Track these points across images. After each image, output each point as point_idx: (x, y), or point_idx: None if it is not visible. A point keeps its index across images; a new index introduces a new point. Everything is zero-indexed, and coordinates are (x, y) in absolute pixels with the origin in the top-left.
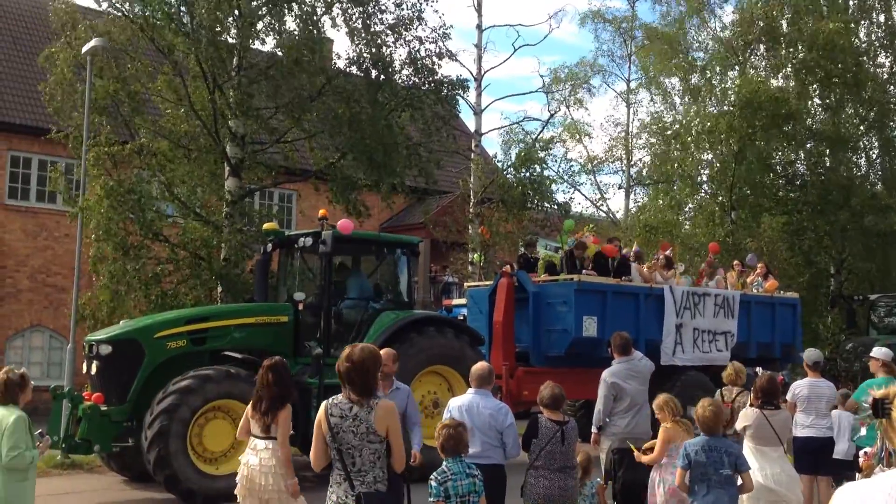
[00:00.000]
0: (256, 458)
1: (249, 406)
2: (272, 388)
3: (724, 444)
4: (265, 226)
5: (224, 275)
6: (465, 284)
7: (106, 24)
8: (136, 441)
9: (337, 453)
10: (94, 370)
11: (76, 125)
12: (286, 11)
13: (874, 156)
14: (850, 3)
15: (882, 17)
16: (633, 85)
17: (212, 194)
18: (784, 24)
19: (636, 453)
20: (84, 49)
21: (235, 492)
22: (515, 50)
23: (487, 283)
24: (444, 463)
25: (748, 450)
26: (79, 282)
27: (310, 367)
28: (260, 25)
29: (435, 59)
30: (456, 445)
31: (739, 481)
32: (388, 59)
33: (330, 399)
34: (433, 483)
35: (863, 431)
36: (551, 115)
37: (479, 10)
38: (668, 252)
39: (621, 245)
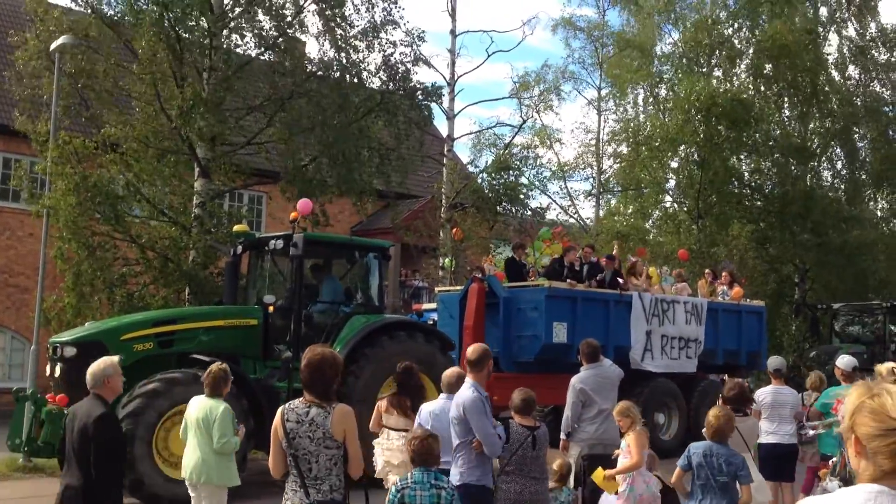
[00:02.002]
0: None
1: (386, 403)
2: (418, 388)
3: (728, 452)
4: (235, 228)
5: (193, 276)
6: (436, 289)
7: (75, 20)
8: None
9: (293, 459)
10: (58, 372)
11: (31, 116)
12: (258, 11)
13: (839, 167)
14: (821, 15)
15: (852, 31)
16: (603, 93)
17: (180, 195)
18: (734, 32)
19: (604, 473)
20: (53, 46)
21: (377, 474)
22: (489, 55)
23: (458, 287)
24: (412, 471)
25: None
26: (43, 282)
27: (279, 371)
28: (232, 25)
29: (409, 65)
30: (424, 457)
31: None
32: (360, 64)
33: (286, 404)
34: (392, 489)
35: (811, 433)
36: (524, 122)
37: (453, 15)
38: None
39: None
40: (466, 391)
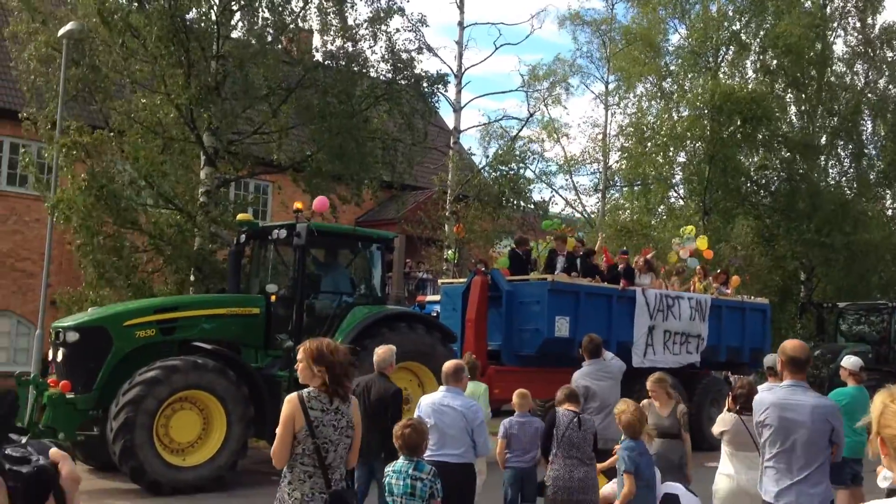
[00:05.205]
0: None
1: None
2: None
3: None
4: (239, 216)
5: (202, 261)
6: (440, 281)
7: (80, 6)
8: (102, 430)
9: (313, 447)
10: (60, 357)
11: (49, 111)
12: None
13: (846, 165)
14: (827, 10)
15: (858, 24)
16: (611, 87)
17: (186, 182)
18: (742, 27)
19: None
20: (60, 32)
21: None
22: (497, 48)
23: (462, 280)
24: (400, 458)
25: (725, 454)
26: (49, 267)
27: (280, 360)
28: (237, 17)
29: (413, 53)
30: (410, 446)
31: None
32: (364, 54)
33: (303, 392)
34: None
35: None
36: (531, 115)
37: (461, 6)
38: (649, 256)
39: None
40: (814, 398)
